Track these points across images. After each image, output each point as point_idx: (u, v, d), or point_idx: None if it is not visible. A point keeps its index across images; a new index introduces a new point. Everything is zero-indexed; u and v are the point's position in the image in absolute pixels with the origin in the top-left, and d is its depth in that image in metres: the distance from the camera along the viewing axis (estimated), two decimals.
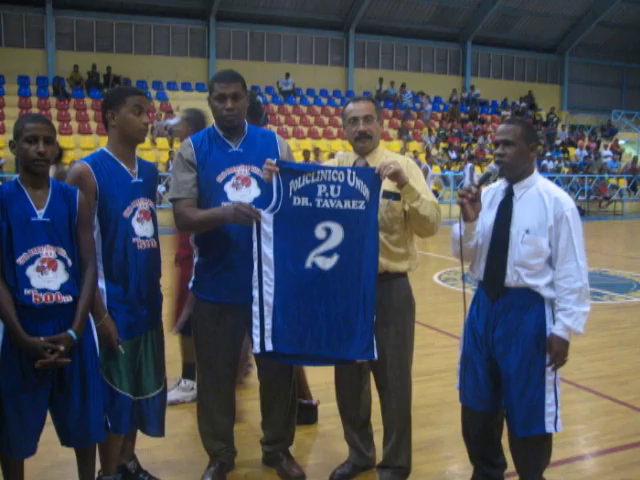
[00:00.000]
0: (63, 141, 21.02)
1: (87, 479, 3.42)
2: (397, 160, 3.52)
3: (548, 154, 27.56)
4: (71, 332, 3.03)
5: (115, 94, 3.52)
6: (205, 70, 28.60)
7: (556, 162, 27.20)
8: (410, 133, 27.23)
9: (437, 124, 28.87)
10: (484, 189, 3.47)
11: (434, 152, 25.80)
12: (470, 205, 3.27)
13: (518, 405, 3.30)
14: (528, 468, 3.44)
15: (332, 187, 3.36)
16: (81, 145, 21.98)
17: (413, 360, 3.78)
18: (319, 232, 3.37)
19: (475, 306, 3.47)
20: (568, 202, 3.25)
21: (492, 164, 3.35)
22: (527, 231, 3.25)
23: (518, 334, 3.28)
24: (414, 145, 26.16)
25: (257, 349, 3.39)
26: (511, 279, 3.28)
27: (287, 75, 28.47)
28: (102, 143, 22.19)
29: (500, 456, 3.63)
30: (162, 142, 22.42)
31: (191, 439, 4.26)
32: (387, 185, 3.44)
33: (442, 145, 26.95)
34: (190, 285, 3.77)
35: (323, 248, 3.38)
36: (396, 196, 3.52)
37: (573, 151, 29.04)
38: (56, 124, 23.02)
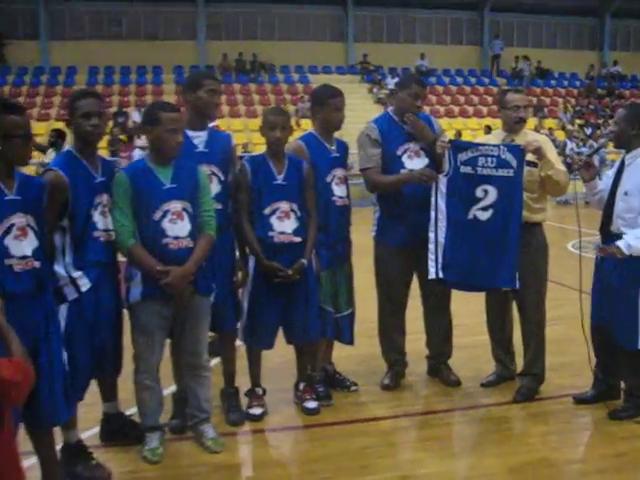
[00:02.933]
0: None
1: (302, 372, 4.76)
2: (538, 138, 4.64)
3: None
4: (304, 260, 4.33)
5: (320, 97, 4.75)
6: (343, 53, 29.89)
7: None
8: (545, 110, 27.44)
9: (573, 101, 28.84)
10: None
11: (569, 128, 25.91)
12: (584, 170, 4.35)
13: (619, 322, 4.33)
14: (628, 375, 4.46)
15: (489, 159, 4.49)
16: (231, 127, 23.53)
17: (548, 308, 4.86)
18: (479, 192, 4.52)
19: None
20: None
21: (602, 139, 4.40)
22: (625, 192, 4.26)
23: (620, 268, 4.29)
24: (549, 122, 26.38)
25: (433, 276, 4.59)
26: (614, 227, 4.32)
27: (422, 56, 29.28)
28: (250, 125, 24.00)
29: (617, 368, 4.63)
30: (306, 123, 23.88)
31: (368, 357, 5.47)
32: (528, 156, 4.54)
33: (578, 122, 26.98)
34: (373, 233, 5.00)
35: (482, 204, 4.52)
36: (535, 165, 4.60)
37: None
38: None
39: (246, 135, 22.36)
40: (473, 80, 29.63)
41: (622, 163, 4.40)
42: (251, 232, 4.35)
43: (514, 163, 4.47)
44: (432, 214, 4.58)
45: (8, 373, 2.24)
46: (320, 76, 27.94)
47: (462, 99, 27.91)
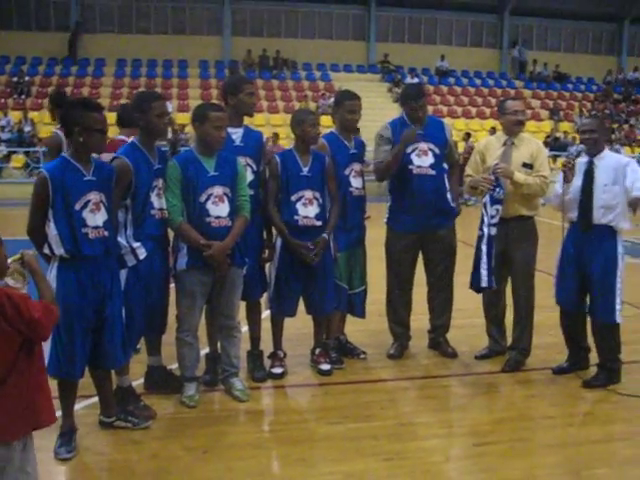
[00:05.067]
0: None
1: (318, 339, 5.47)
2: (531, 143, 5.42)
3: None
4: (325, 235, 5.08)
5: (338, 99, 5.49)
6: (365, 52, 30.53)
7: None
8: (561, 114, 27.99)
9: (589, 105, 29.35)
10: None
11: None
12: (570, 172, 5.01)
13: (598, 300, 5.02)
14: (604, 348, 5.14)
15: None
16: (253, 122, 24.14)
17: (545, 297, 5.51)
18: (493, 212, 5.22)
19: (570, 238, 5.18)
20: (626, 158, 5.09)
21: (579, 145, 5.03)
22: (605, 185, 4.94)
23: (600, 254, 4.99)
24: (564, 125, 26.92)
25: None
26: (596, 218, 4.98)
27: (442, 57, 29.91)
28: (271, 120, 24.75)
29: (585, 340, 5.35)
30: (325, 120, 24.55)
31: (377, 332, 6.15)
32: (525, 159, 5.27)
33: None
34: (385, 220, 5.71)
35: (493, 221, 5.23)
36: (530, 167, 5.29)
37: None
38: None
39: (268, 130, 23.02)
40: (491, 82, 30.23)
41: (590, 164, 5.06)
42: (277, 215, 5.09)
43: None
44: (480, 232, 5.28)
45: (38, 314, 2.75)
46: (341, 74, 28.68)
47: (480, 100, 28.50)
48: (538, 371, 5.47)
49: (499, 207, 5.22)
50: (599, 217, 5.01)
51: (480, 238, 5.25)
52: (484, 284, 5.19)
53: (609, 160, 5.10)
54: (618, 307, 5.01)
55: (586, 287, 5.14)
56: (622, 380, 5.18)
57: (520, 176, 5.21)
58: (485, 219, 5.22)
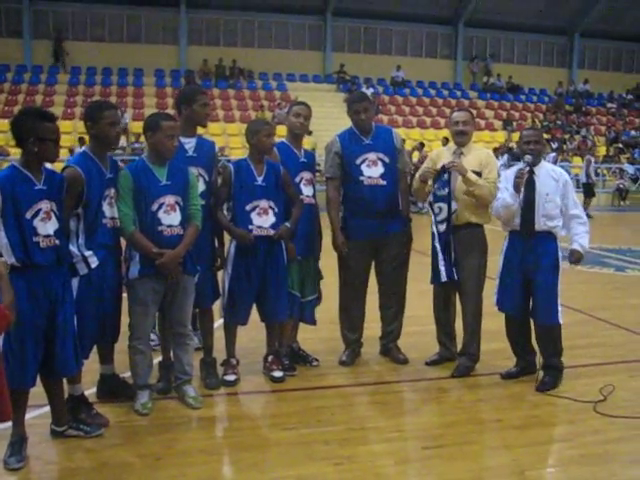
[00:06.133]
0: None
1: (271, 346, 5.51)
2: (480, 152, 5.57)
3: None
4: (288, 224, 5.16)
5: (289, 106, 5.57)
6: (321, 62, 30.78)
7: None
8: (514, 124, 28.50)
9: (541, 116, 29.97)
10: (508, 173, 5.42)
11: None
12: (522, 182, 5.14)
13: (542, 303, 5.18)
14: (549, 350, 5.29)
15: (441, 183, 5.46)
16: (209, 131, 24.15)
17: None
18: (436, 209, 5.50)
19: (511, 245, 5.34)
20: (560, 170, 5.29)
21: (528, 156, 5.15)
22: (547, 194, 5.10)
23: (544, 259, 5.18)
24: (517, 136, 27.34)
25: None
26: (538, 226, 5.14)
27: (398, 68, 30.28)
28: (228, 130, 24.75)
29: (530, 344, 5.49)
30: (281, 130, 24.62)
31: (330, 339, 6.23)
32: (473, 166, 5.39)
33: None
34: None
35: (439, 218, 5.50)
36: (479, 174, 5.41)
37: None
38: None
39: (224, 139, 23.10)
40: (445, 93, 30.66)
41: (530, 174, 5.19)
42: (224, 217, 5.16)
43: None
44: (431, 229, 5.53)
45: None
46: (297, 84, 28.86)
47: (434, 111, 28.88)
48: (486, 376, 5.59)
49: (442, 205, 5.44)
50: (541, 225, 5.18)
51: (433, 235, 5.51)
52: (443, 278, 5.47)
53: (547, 170, 5.30)
54: (560, 308, 5.21)
55: (529, 292, 5.30)
56: (568, 383, 5.34)
57: (472, 175, 5.35)
58: (433, 218, 5.51)
